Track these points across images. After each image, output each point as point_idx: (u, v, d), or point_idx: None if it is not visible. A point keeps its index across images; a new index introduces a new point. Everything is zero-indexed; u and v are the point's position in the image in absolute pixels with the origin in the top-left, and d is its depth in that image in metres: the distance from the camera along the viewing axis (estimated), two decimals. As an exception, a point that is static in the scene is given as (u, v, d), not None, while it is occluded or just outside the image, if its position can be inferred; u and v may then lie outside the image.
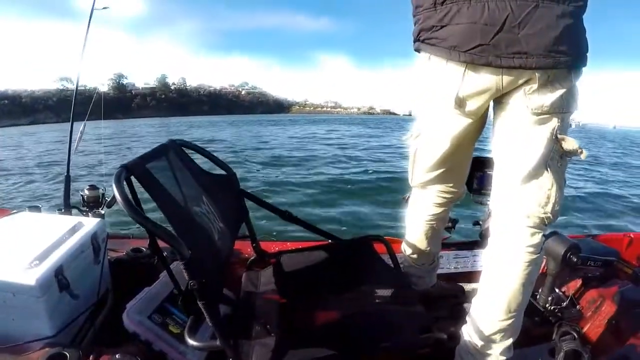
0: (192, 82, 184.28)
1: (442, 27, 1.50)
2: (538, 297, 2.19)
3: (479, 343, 1.63)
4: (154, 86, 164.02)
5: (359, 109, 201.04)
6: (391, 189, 9.39)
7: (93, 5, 2.71)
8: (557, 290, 2.24)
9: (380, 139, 27.91)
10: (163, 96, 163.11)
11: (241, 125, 52.09)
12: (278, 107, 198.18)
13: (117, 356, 1.38)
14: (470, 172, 2.06)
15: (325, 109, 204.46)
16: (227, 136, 30.28)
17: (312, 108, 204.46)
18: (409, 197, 2.16)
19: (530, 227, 1.55)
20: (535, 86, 1.43)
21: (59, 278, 1.59)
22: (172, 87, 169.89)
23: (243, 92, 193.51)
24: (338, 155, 16.98)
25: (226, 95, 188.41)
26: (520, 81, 1.45)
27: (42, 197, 9.06)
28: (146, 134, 34.92)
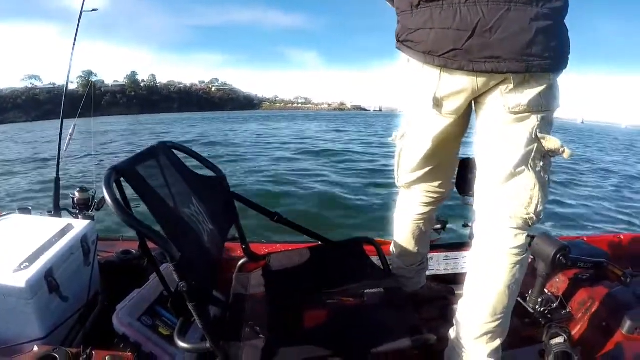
0: (162, 79, 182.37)
1: (416, 30, 1.51)
2: (528, 298, 2.20)
3: (467, 345, 1.64)
4: (124, 84, 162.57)
5: (329, 104, 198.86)
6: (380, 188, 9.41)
7: (82, 7, 2.72)
8: (546, 291, 2.25)
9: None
10: (133, 93, 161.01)
11: (214, 122, 52.00)
12: (249, 103, 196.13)
13: (106, 358, 1.38)
14: (460, 173, 2.07)
15: (295, 105, 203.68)
16: (200, 134, 30.07)
17: (282, 104, 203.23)
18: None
19: (514, 228, 1.55)
20: (511, 86, 1.44)
21: (49, 280, 1.60)
22: (142, 85, 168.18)
23: (213, 89, 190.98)
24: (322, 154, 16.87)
25: (196, 92, 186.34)
26: (495, 82, 1.47)
27: (31, 198, 9.00)
28: (120, 131, 34.59)
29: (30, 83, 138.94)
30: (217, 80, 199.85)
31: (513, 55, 1.36)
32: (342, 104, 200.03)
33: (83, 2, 2.70)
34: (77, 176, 9.77)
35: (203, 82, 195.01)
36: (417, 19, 1.50)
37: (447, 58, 1.44)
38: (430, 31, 1.46)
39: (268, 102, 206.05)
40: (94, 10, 2.77)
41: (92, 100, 3.13)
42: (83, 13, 2.75)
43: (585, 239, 2.77)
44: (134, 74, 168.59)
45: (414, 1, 1.50)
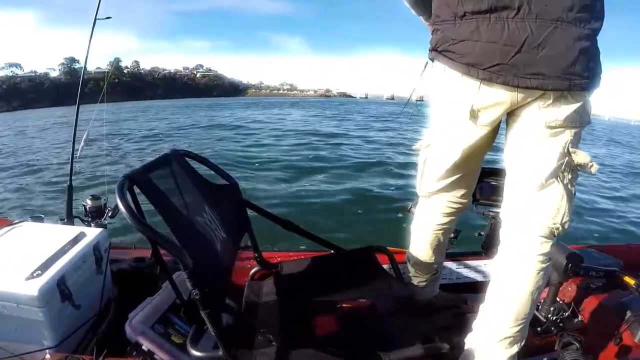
0: (145, 66, 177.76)
1: (460, 41, 1.51)
2: (540, 307, 2.18)
3: (485, 350, 1.64)
4: (107, 70, 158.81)
5: (315, 91, 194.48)
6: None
7: (96, 15, 2.74)
8: (559, 300, 2.23)
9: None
10: (116, 80, 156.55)
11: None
12: (234, 89, 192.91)
13: (119, 366, 1.38)
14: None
15: (281, 91, 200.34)
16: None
17: (268, 90, 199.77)
18: (411, 207, 2.16)
19: (541, 236, 1.57)
20: (549, 101, 1.46)
21: (61, 288, 1.60)
22: (126, 71, 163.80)
23: (198, 75, 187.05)
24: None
25: (181, 78, 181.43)
26: (533, 97, 1.48)
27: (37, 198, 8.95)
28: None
29: (11, 71, 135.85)
30: (201, 66, 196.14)
31: (557, 73, 1.39)
32: (328, 90, 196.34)
33: (97, 10, 2.72)
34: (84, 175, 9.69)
35: (187, 69, 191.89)
36: (462, 30, 1.50)
37: (492, 72, 1.45)
38: (475, 43, 1.47)
39: (253, 88, 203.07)
40: (107, 18, 2.79)
41: (105, 90, 3.15)
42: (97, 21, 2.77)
43: (597, 248, 2.75)
44: (117, 60, 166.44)
45: (458, 12, 1.50)
